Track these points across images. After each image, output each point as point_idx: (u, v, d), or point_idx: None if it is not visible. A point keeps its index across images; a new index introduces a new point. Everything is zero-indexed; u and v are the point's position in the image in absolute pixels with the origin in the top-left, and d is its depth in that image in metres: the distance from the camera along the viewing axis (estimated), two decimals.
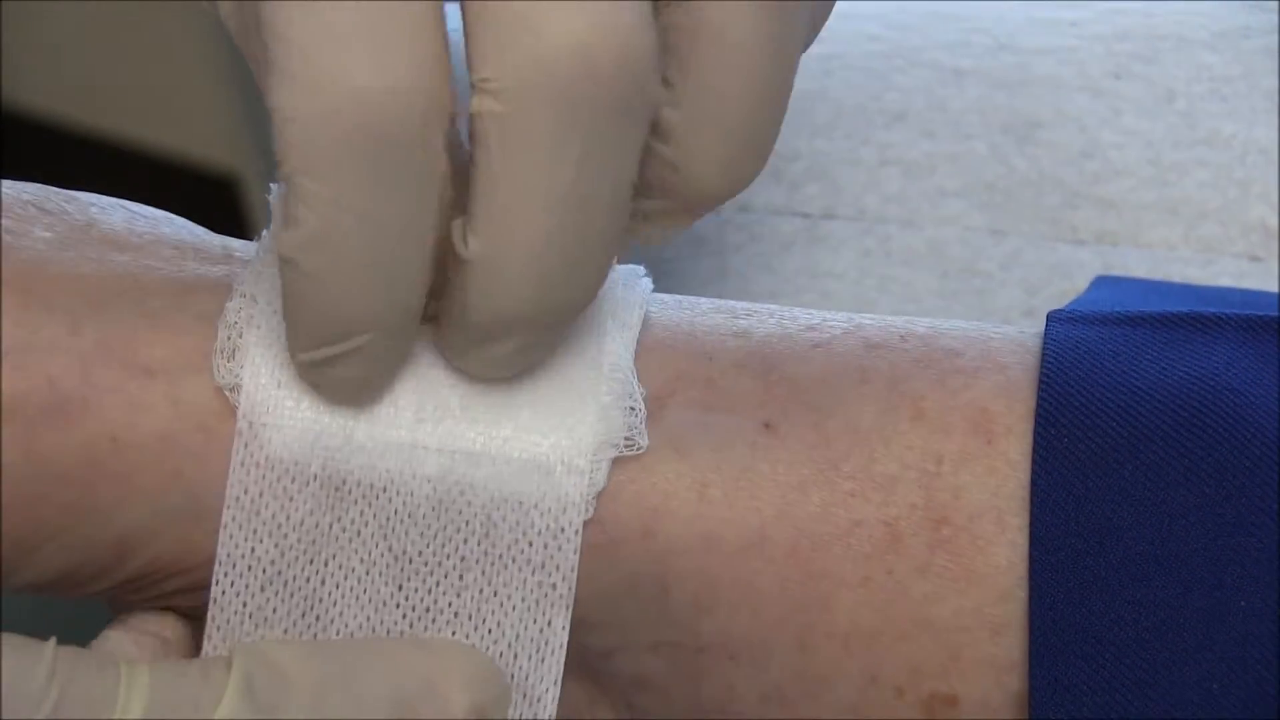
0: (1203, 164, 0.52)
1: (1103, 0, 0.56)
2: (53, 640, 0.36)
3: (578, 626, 0.40)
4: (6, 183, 0.42)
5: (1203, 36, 0.54)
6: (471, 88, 0.35)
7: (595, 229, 0.37)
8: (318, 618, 0.40)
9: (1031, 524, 0.39)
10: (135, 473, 0.39)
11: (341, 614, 0.40)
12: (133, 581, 0.40)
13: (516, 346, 0.38)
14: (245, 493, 0.39)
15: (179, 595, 0.41)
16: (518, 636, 0.40)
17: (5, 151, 0.45)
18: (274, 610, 0.40)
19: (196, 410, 0.39)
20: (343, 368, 0.38)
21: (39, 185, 0.42)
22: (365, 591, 0.40)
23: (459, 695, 0.38)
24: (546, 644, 0.40)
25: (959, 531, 0.40)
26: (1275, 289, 0.51)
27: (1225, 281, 0.51)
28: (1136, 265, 0.51)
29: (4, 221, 0.40)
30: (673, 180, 0.38)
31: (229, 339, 0.39)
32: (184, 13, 1.81)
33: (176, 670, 0.37)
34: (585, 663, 0.41)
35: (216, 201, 0.42)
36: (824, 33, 0.56)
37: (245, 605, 0.40)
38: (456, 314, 0.38)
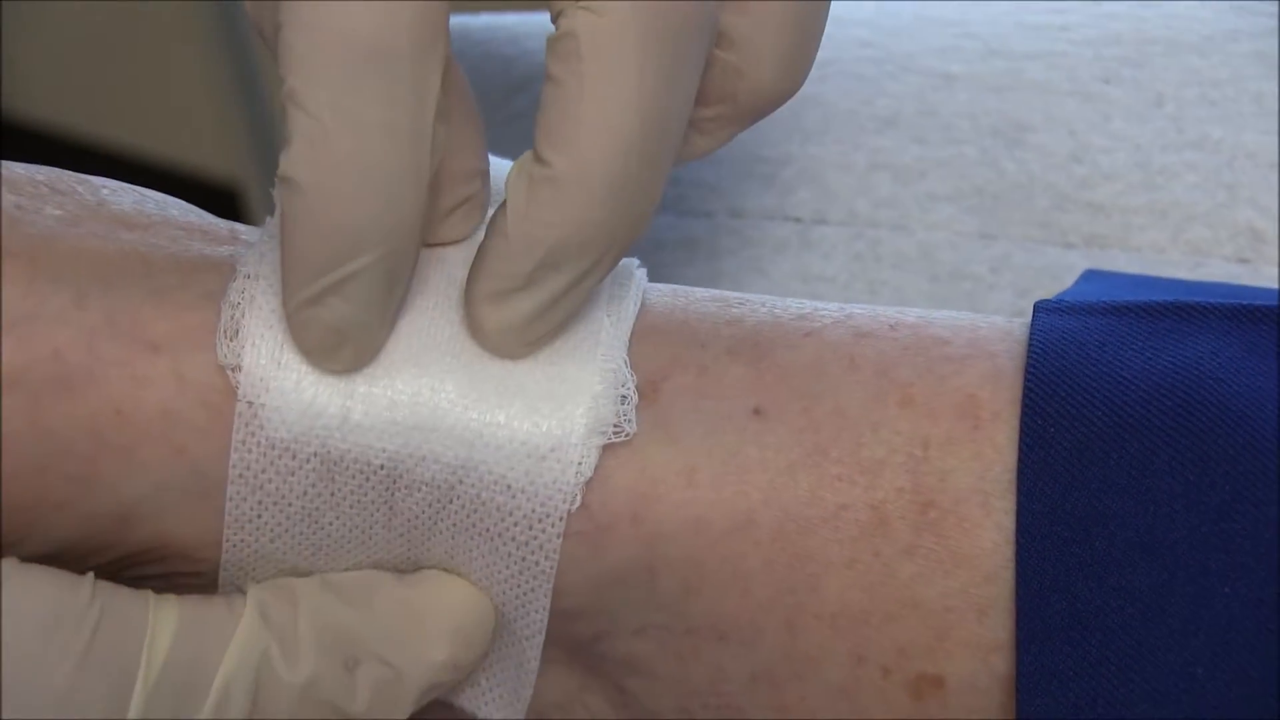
0: (1191, 168, 0.52)
1: (1093, 4, 0.56)
2: (90, 572, 0.38)
3: (565, 616, 0.41)
4: (20, 164, 0.42)
5: (1192, 40, 0.54)
6: (556, 16, 0.38)
7: (670, 139, 0.39)
8: (324, 558, 0.41)
9: (1018, 509, 0.40)
10: (138, 446, 0.39)
11: (340, 558, 0.41)
12: (136, 556, 0.40)
13: (568, 282, 0.39)
14: (248, 469, 0.40)
15: (184, 578, 0.41)
16: (502, 600, 0.41)
17: (7, 159, 0.45)
18: (282, 554, 0.40)
19: (200, 387, 0.40)
20: (339, 304, 0.38)
21: (53, 168, 0.42)
22: (364, 541, 0.41)
23: (444, 621, 0.40)
24: (529, 612, 0.41)
25: (945, 514, 0.40)
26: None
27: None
28: (1125, 268, 0.51)
29: (16, 199, 0.40)
30: (736, 86, 0.42)
31: (231, 318, 0.40)
32: (186, 24, 1.81)
33: (200, 600, 0.39)
34: (574, 649, 0.42)
35: (217, 211, 0.42)
36: None
37: (255, 552, 0.40)
38: (517, 242, 0.38)
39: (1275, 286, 0.50)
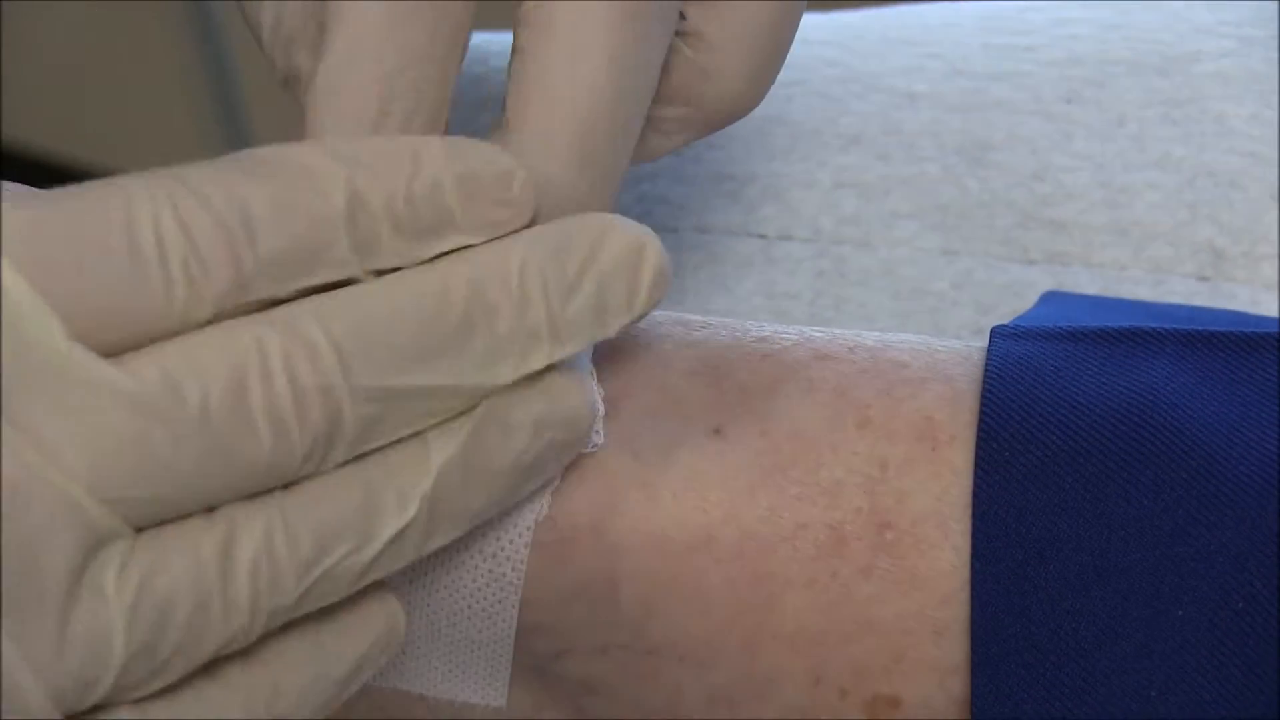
0: (1153, 186, 0.52)
1: (1057, 25, 0.56)
2: None
3: (527, 630, 0.41)
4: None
5: (1154, 61, 0.54)
6: None
7: (634, 118, 0.40)
8: None
9: (974, 533, 0.40)
10: None
11: None
12: None
13: None
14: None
15: None
16: (468, 618, 0.41)
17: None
18: None
19: None
20: None
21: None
22: None
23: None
24: (493, 620, 0.41)
25: (903, 535, 0.40)
26: (1224, 308, 0.51)
27: (1174, 301, 0.51)
28: (1087, 285, 0.51)
29: None
30: (702, 88, 0.43)
31: None
32: (182, 53, 1.81)
33: None
34: (534, 666, 0.42)
35: None
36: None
37: None
38: None
39: (1235, 305, 0.51)
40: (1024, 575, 0.39)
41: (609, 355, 0.42)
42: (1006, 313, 0.51)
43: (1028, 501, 0.40)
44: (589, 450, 0.40)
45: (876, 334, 0.44)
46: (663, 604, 0.41)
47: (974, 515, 0.40)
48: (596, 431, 0.40)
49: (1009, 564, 0.39)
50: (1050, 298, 0.48)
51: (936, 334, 0.51)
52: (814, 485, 0.41)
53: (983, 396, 0.41)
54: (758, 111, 0.55)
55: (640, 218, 0.53)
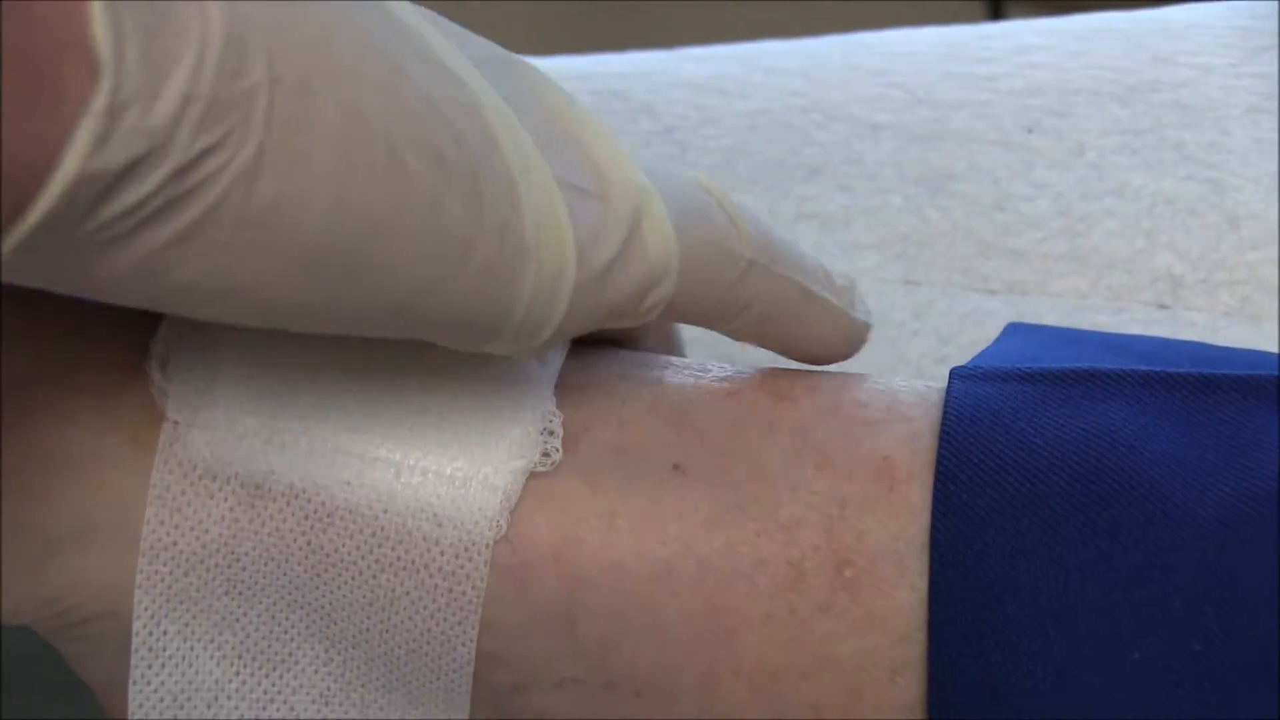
0: (1112, 214, 0.52)
1: (1017, 54, 0.56)
2: None
3: (485, 660, 0.40)
4: None
5: (1114, 90, 0.55)
6: None
7: None
8: (236, 600, 0.40)
9: (932, 574, 0.40)
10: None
11: (257, 595, 0.40)
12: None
13: None
14: (168, 490, 0.39)
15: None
16: (430, 638, 0.40)
17: None
18: (196, 591, 0.39)
19: (130, 423, 0.40)
20: None
21: None
22: (286, 566, 0.40)
23: None
24: (456, 645, 0.40)
25: (861, 574, 0.40)
26: (1181, 336, 0.51)
27: (1134, 329, 0.51)
28: (1047, 314, 0.52)
29: None
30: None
31: (164, 350, 0.39)
32: None
33: None
34: (493, 701, 0.41)
35: None
36: (749, 88, 0.57)
37: (169, 588, 0.39)
38: None
39: (1193, 332, 0.51)
40: (981, 617, 0.39)
41: (568, 391, 0.42)
42: (967, 342, 0.51)
43: (985, 543, 0.40)
44: (547, 469, 0.40)
45: (837, 374, 0.44)
46: (620, 636, 0.40)
47: (932, 555, 0.40)
48: (556, 450, 0.40)
49: (967, 605, 0.39)
50: (1013, 330, 0.48)
51: (897, 363, 0.51)
52: (773, 522, 0.40)
53: (941, 437, 0.41)
54: (720, 143, 0.56)
55: None
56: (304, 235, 0.31)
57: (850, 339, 0.44)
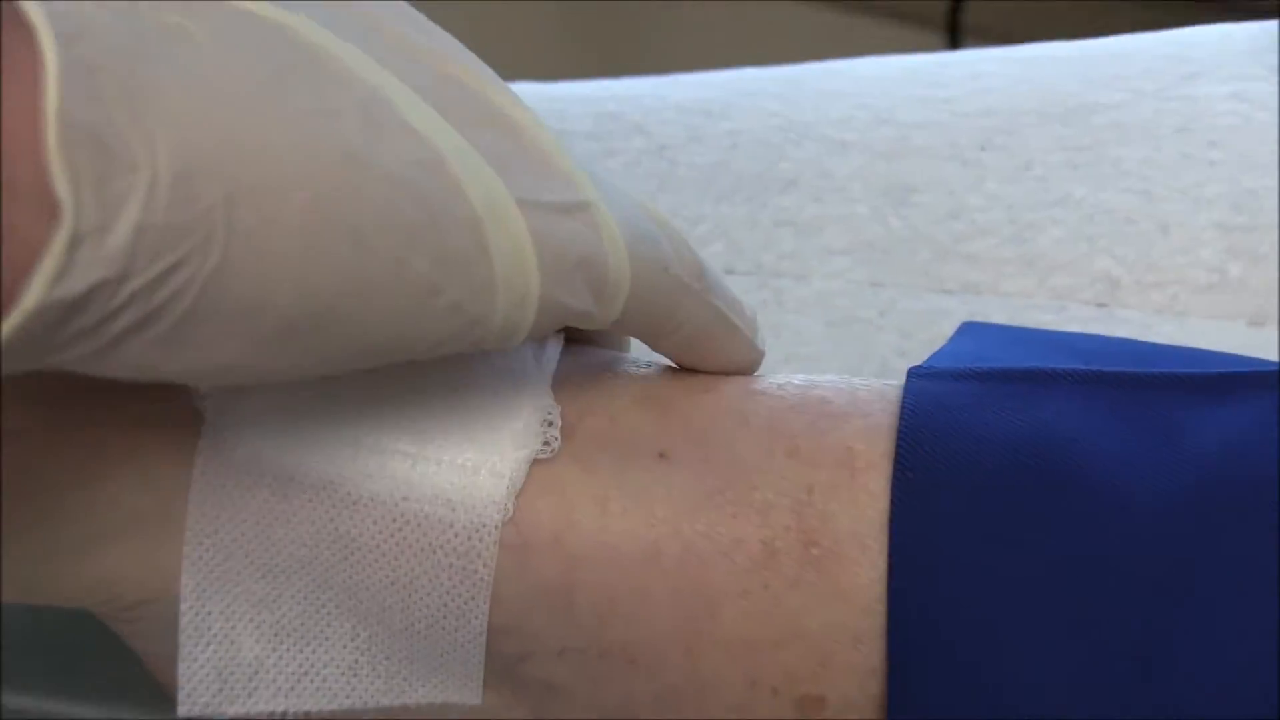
0: (1056, 223, 0.53)
1: (971, 79, 0.56)
2: None
3: (495, 632, 0.40)
4: None
5: (1058, 112, 0.55)
6: None
7: None
8: (272, 582, 0.39)
9: (890, 554, 0.39)
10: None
11: (291, 577, 0.39)
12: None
13: None
14: (209, 484, 0.39)
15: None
16: (446, 613, 0.40)
17: None
18: (236, 575, 0.39)
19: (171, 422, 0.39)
20: None
21: None
22: (317, 550, 0.39)
23: None
24: (470, 619, 0.40)
25: (826, 553, 0.40)
26: (1117, 332, 0.51)
27: (1074, 326, 0.51)
28: (997, 312, 0.51)
29: None
30: None
31: None
32: None
33: None
34: (503, 670, 0.41)
35: None
36: (728, 109, 0.56)
37: (212, 573, 0.39)
38: None
39: (1128, 329, 0.51)
40: (934, 590, 0.39)
41: (564, 387, 0.42)
42: (926, 337, 0.51)
43: (939, 526, 0.39)
44: (549, 455, 0.40)
45: (803, 375, 0.44)
46: (613, 610, 0.40)
47: (890, 536, 0.39)
48: (555, 439, 0.40)
49: (921, 580, 0.39)
50: (967, 329, 0.48)
51: (863, 357, 0.51)
52: (748, 505, 0.40)
53: (898, 430, 0.41)
54: (706, 159, 0.55)
55: None
56: (276, 317, 0.31)
57: (754, 364, 0.44)
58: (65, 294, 0.27)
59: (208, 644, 0.39)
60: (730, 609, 0.40)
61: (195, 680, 0.39)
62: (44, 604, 0.40)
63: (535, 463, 0.40)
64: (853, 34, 0.67)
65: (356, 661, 0.39)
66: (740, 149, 0.55)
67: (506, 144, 0.36)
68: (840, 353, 0.51)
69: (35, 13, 0.27)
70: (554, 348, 0.42)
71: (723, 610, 0.40)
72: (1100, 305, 0.51)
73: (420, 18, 0.37)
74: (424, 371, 0.40)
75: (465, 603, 0.39)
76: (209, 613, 0.39)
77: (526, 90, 0.57)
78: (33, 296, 0.26)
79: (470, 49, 0.38)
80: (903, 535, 0.39)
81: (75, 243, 0.27)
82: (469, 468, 0.39)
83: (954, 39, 1.35)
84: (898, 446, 0.40)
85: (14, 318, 0.27)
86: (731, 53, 0.59)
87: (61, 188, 0.26)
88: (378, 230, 0.32)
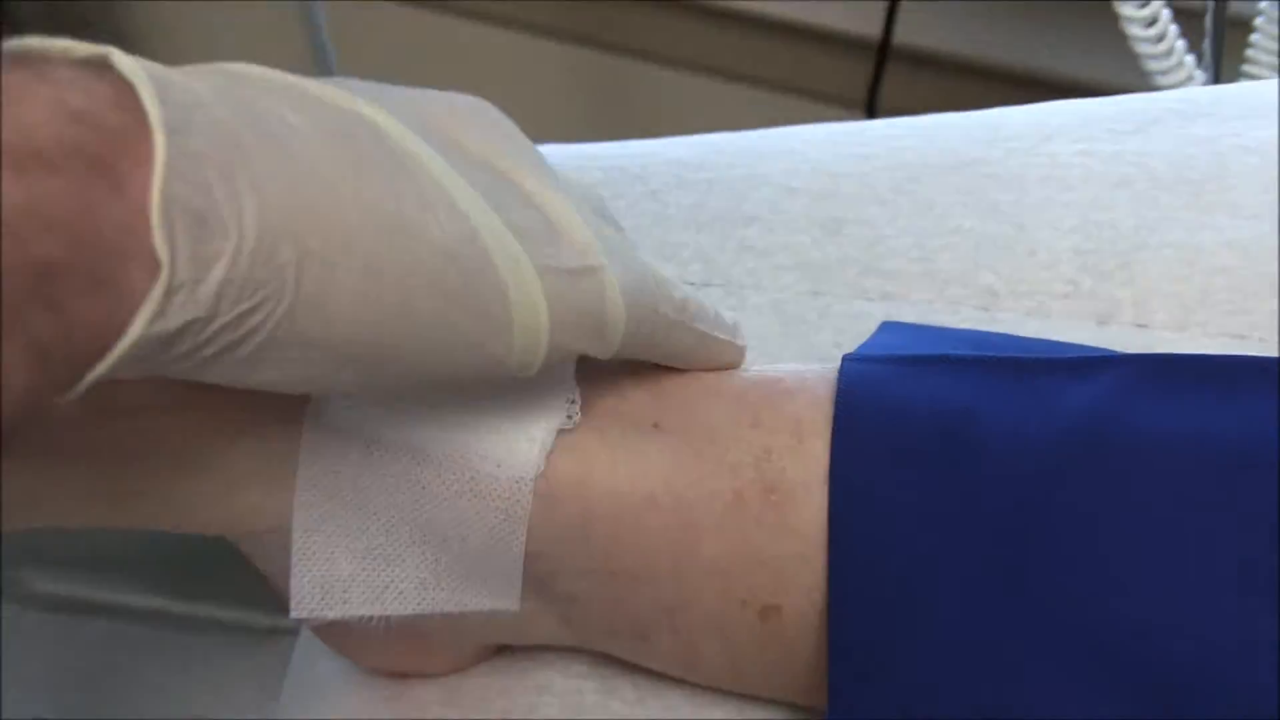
0: (950, 248, 0.52)
1: (890, 139, 0.56)
2: None
3: (531, 558, 0.40)
4: None
5: (953, 164, 0.54)
6: None
7: None
8: (364, 516, 0.39)
9: (830, 497, 0.39)
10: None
11: (376, 514, 0.39)
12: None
13: None
14: (314, 445, 0.38)
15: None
16: (493, 542, 0.39)
17: None
18: (335, 513, 0.38)
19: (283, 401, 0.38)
20: None
21: None
22: (396, 495, 0.39)
23: None
24: (511, 547, 0.39)
25: (782, 498, 0.39)
26: (996, 329, 0.50)
27: (965, 325, 0.50)
28: (908, 314, 0.50)
29: None
30: None
31: None
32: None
33: None
34: (536, 585, 0.41)
35: None
36: (705, 163, 0.56)
37: (316, 511, 0.38)
38: None
39: (1003, 327, 0.49)
40: (863, 523, 0.39)
41: (586, 374, 0.41)
42: (854, 334, 0.50)
43: (867, 475, 0.39)
44: (570, 425, 0.39)
45: (762, 364, 0.43)
46: (619, 541, 0.40)
47: (830, 483, 0.39)
48: (575, 414, 0.39)
49: (854, 518, 0.39)
50: (885, 326, 0.48)
51: (808, 349, 0.50)
52: (723, 464, 0.40)
53: (836, 403, 0.40)
54: (688, 199, 0.55)
55: None
56: (335, 352, 0.30)
57: (738, 361, 0.43)
58: (161, 330, 0.26)
59: (312, 564, 0.38)
60: (709, 541, 0.39)
61: (303, 592, 0.38)
62: (202, 534, 0.39)
63: (560, 432, 0.39)
64: (792, 112, 0.67)
65: (425, 578, 0.39)
66: (714, 193, 0.55)
67: (537, 222, 0.34)
68: (789, 345, 0.51)
69: (151, 107, 0.26)
70: None
71: (703, 542, 0.39)
72: (984, 309, 0.50)
73: (483, 114, 0.36)
74: None
75: (507, 535, 0.39)
76: (314, 540, 0.38)
77: (554, 150, 0.56)
78: (133, 331, 0.26)
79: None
80: (839, 483, 0.39)
81: (171, 293, 0.26)
82: (511, 435, 0.39)
83: (871, 114, 1.34)
84: (835, 415, 0.39)
85: (120, 346, 0.26)
86: (701, 120, 0.59)
87: (161, 251, 0.26)
88: (424, 293, 0.31)
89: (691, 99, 1.42)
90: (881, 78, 1.35)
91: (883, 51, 1.33)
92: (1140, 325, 0.48)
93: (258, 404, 0.37)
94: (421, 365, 0.32)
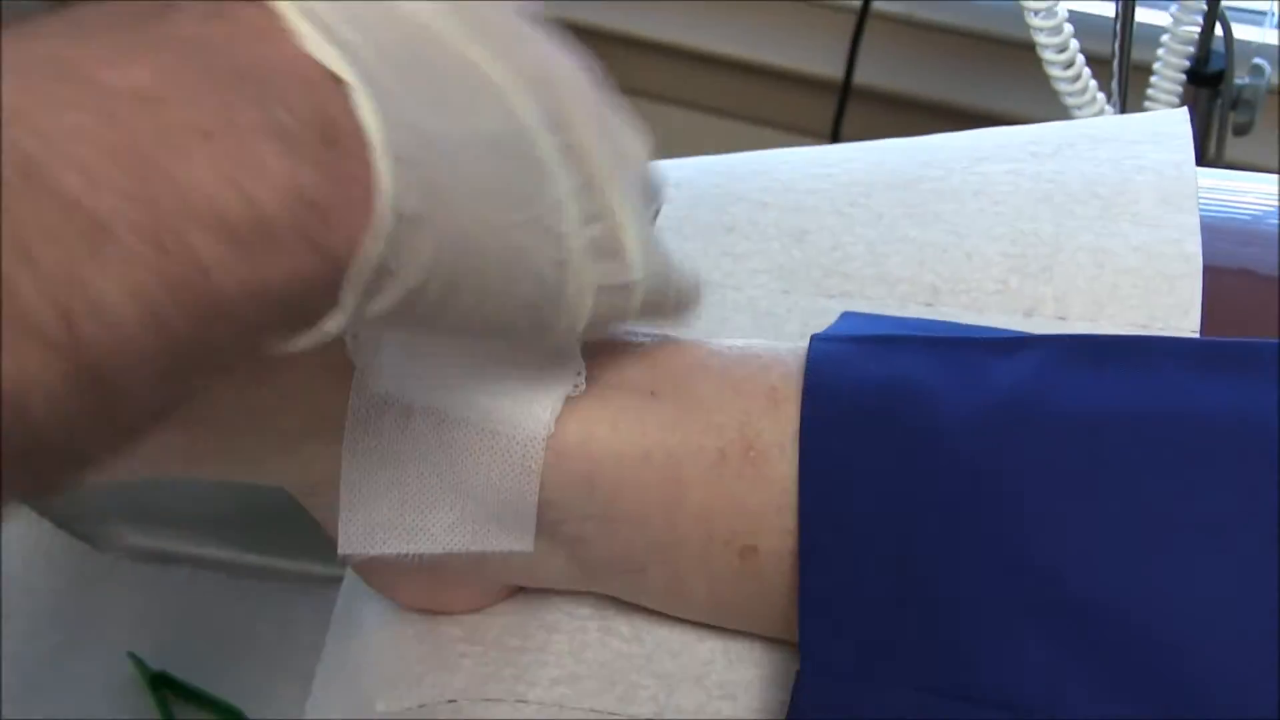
0: (900, 252, 0.53)
1: (844, 160, 0.56)
2: None
3: (543, 506, 0.40)
4: None
5: (901, 182, 0.55)
6: None
7: None
8: (400, 471, 0.39)
9: (800, 454, 0.39)
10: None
11: (410, 469, 0.39)
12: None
13: None
14: (358, 410, 0.39)
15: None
16: (509, 494, 0.40)
17: None
18: (375, 466, 0.39)
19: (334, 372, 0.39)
20: None
21: None
22: (427, 453, 0.39)
23: None
24: (526, 497, 0.40)
25: (759, 455, 0.40)
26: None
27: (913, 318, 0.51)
28: (863, 309, 0.51)
29: None
30: None
31: (353, 329, 0.39)
32: None
33: None
34: (547, 529, 0.41)
35: None
36: (691, 182, 0.57)
37: (360, 464, 0.39)
38: None
39: (952, 319, 0.50)
40: (828, 476, 0.39)
41: (591, 348, 0.41)
42: (817, 326, 0.50)
43: (831, 436, 0.39)
44: (577, 393, 0.40)
45: (744, 339, 0.44)
46: (618, 492, 0.40)
47: (800, 443, 0.39)
48: (581, 384, 0.40)
49: (820, 470, 0.39)
50: (846, 315, 0.48)
51: (779, 338, 0.51)
52: (709, 425, 0.40)
53: (806, 375, 0.40)
54: (677, 214, 0.55)
55: None
56: (458, 306, 0.30)
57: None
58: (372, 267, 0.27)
59: (357, 510, 0.39)
60: (695, 491, 0.40)
61: (350, 532, 0.39)
62: (265, 483, 0.40)
63: (568, 399, 0.40)
64: (767, 142, 0.68)
65: (452, 523, 0.40)
66: (699, 207, 0.55)
67: (608, 240, 0.34)
68: (763, 335, 0.51)
69: (379, 150, 0.26)
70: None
71: (690, 492, 0.40)
72: (928, 305, 0.51)
73: (587, 94, 0.34)
74: (499, 347, 0.40)
75: (523, 487, 0.39)
76: (358, 490, 0.39)
77: None
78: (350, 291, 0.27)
79: None
80: (808, 442, 0.39)
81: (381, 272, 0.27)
82: (526, 402, 0.39)
83: (835, 143, 1.35)
84: (805, 385, 0.40)
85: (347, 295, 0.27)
86: (687, 149, 0.59)
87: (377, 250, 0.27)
88: (518, 311, 0.32)
89: (679, 131, 1.43)
90: (844, 112, 1.36)
91: (845, 89, 1.35)
92: (1060, 318, 0.49)
93: (312, 372, 0.38)
94: (506, 320, 0.32)
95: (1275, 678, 0.33)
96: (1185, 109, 0.56)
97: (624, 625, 0.44)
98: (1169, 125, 0.54)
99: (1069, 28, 0.88)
